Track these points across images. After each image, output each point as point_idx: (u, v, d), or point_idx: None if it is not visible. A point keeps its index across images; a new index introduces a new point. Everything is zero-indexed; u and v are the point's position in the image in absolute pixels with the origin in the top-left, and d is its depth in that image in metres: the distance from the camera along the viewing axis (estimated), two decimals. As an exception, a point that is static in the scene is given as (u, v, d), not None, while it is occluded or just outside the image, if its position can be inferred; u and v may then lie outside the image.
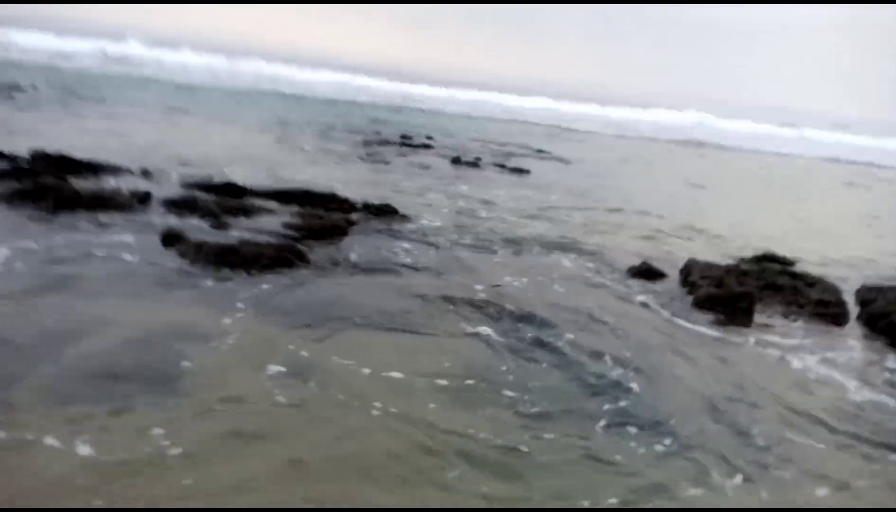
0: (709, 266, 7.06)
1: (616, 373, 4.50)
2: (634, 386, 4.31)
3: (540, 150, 20.30)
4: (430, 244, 7.43)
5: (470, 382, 4.14)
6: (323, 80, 39.20)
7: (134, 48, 36.26)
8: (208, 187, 8.54)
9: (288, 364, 4.01)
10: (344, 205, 8.55)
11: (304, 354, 4.21)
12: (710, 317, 5.96)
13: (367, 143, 16.59)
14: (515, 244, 7.92)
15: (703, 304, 6.14)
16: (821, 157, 37.29)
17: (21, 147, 9.25)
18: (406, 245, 7.24)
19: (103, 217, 6.70)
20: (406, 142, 17.87)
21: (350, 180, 11.26)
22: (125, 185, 8.21)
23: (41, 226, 6.20)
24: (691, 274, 6.83)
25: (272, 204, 8.27)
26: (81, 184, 7.71)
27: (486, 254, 7.38)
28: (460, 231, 8.26)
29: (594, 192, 13.35)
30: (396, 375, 4.07)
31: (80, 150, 10.13)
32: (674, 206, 12.73)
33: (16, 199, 6.84)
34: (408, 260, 6.68)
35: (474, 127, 26.63)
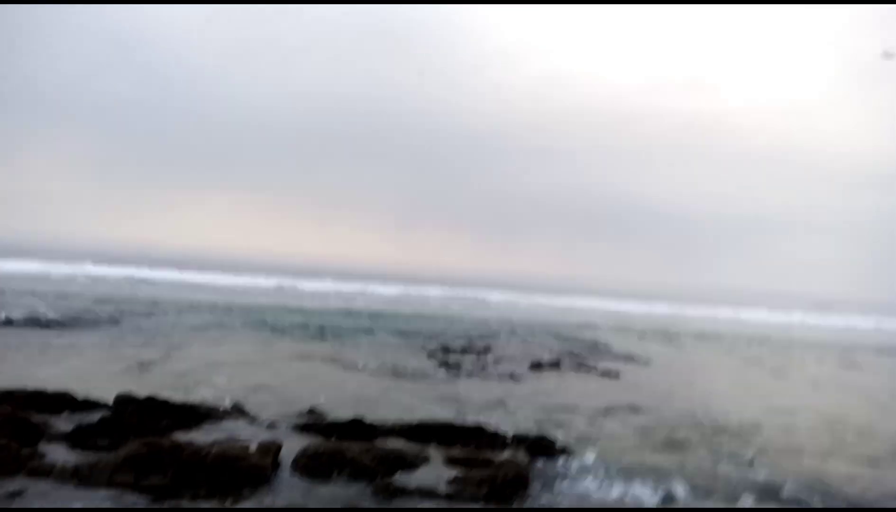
0: None
1: None
2: None
3: (599, 347, 19.13)
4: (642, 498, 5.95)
5: None
6: (338, 290, 39.18)
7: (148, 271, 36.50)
8: (329, 428, 7.15)
9: None
10: (494, 440, 7.10)
11: None
12: None
13: (431, 354, 15.34)
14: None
15: None
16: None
17: (88, 388, 7.95)
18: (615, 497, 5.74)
19: (238, 491, 5.20)
20: (468, 349, 16.63)
21: (453, 399, 9.95)
22: (232, 432, 6.80)
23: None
24: None
25: (414, 445, 6.82)
26: (191, 437, 6.29)
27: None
28: (656, 472, 6.77)
29: (698, 391, 12.09)
30: None
31: (163, 386, 8.87)
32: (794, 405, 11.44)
33: (121, 469, 5.38)
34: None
35: (516, 329, 25.63)
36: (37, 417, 6.57)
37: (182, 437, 6.49)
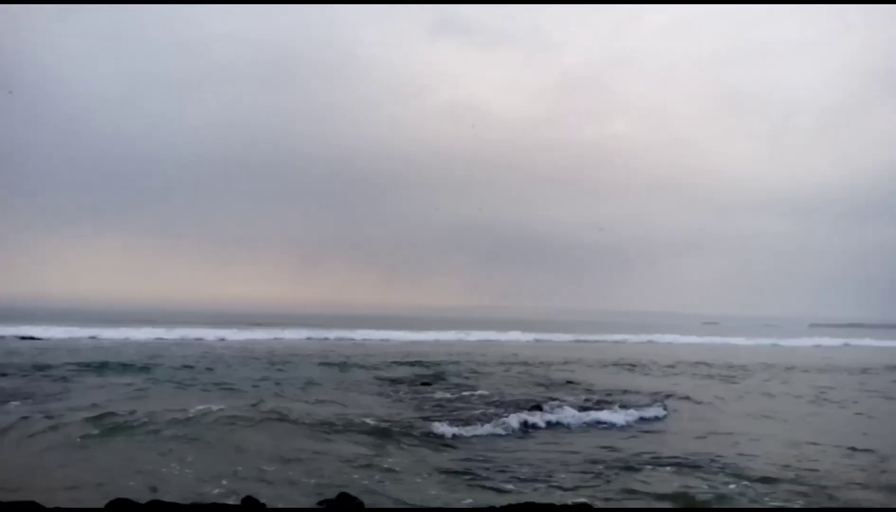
0: None
1: None
2: None
3: (571, 384, 18.10)
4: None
5: None
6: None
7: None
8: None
9: None
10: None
11: None
12: None
13: (402, 396, 13.74)
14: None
15: None
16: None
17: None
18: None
19: None
20: (449, 387, 15.18)
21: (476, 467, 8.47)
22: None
23: None
24: None
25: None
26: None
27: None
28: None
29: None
30: None
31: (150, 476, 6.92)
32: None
33: None
34: None
35: (473, 367, 24.30)
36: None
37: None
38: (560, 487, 7.45)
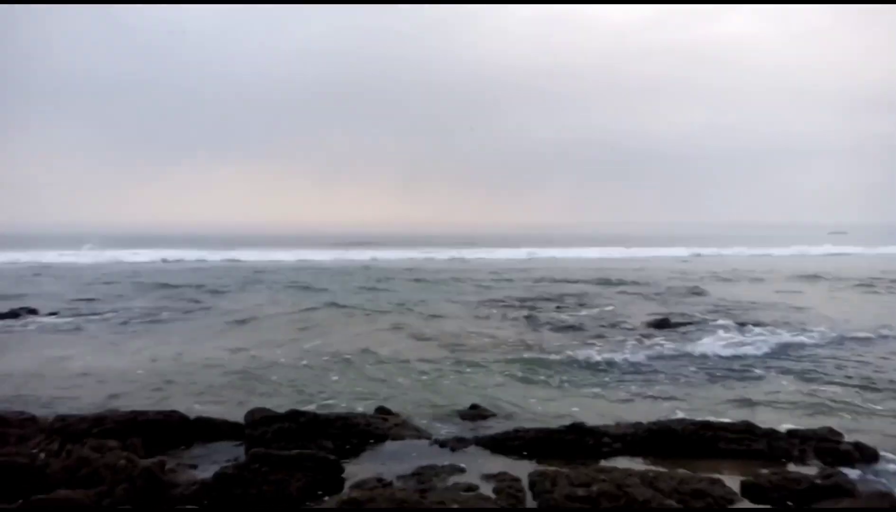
0: None
1: None
2: None
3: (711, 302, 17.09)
4: None
5: None
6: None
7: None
8: (536, 441, 5.27)
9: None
10: (769, 444, 5.18)
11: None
12: None
13: (523, 316, 13.42)
14: None
15: None
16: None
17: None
18: None
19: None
20: (562, 306, 14.79)
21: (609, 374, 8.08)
22: (410, 458, 4.97)
23: None
24: None
25: (665, 464, 4.92)
26: (367, 471, 4.46)
27: None
28: None
29: None
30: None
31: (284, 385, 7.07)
32: None
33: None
34: None
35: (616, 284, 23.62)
36: (150, 462, 4.71)
37: (355, 469, 4.68)
38: (672, 397, 6.98)
